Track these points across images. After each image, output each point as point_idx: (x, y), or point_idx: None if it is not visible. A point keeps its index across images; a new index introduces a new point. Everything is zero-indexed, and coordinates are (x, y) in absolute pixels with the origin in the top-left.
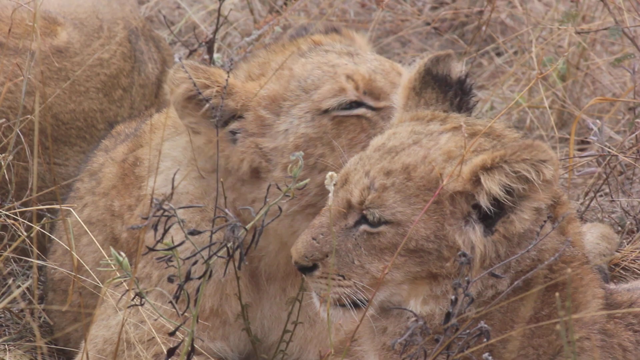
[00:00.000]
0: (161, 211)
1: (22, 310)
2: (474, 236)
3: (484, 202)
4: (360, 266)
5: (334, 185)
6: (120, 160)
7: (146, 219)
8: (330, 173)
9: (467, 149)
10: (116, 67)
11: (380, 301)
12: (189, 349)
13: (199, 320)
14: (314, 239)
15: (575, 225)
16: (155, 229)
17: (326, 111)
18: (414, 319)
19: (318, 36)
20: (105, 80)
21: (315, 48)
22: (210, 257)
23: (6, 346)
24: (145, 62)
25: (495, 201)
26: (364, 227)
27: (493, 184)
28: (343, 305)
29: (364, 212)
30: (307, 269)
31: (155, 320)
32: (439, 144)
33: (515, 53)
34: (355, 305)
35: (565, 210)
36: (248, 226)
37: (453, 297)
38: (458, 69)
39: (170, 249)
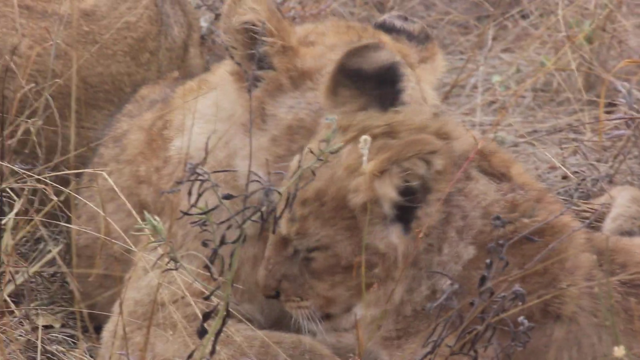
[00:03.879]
0: (195, 175)
1: (53, 275)
2: (394, 237)
3: (386, 207)
4: (310, 288)
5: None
6: (147, 127)
7: (180, 182)
8: (364, 137)
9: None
10: (143, 30)
11: (342, 314)
12: (224, 313)
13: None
14: (268, 270)
15: (517, 167)
16: (189, 194)
17: None
18: (449, 282)
19: (386, 38)
20: (132, 43)
21: None
22: (244, 222)
23: (38, 311)
24: (172, 26)
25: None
26: (301, 254)
27: (387, 189)
28: (314, 322)
29: (294, 242)
30: (274, 297)
31: (191, 284)
32: (341, 160)
33: (541, 15)
34: (328, 317)
35: (501, 157)
36: (281, 189)
37: (488, 261)
38: (380, 58)
39: (205, 213)
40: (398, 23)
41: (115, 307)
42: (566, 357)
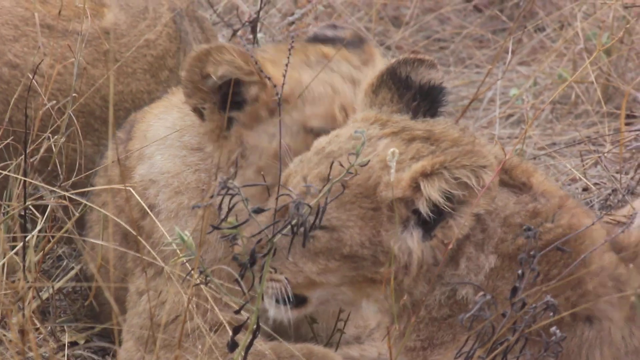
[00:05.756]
0: (225, 190)
1: (75, 292)
2: (411, 242)
3: (423, 208)
4: (293, 264)
5: None
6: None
7: (212, 197)
8: (392, 149)
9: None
10: (162, 48)
11: (321, 301)
12: (254, 327)
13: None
14: (257, 235)
15: (538, 176)
16: (220, 209)
17: (311, 130)
18: (481, 293)
19: (327, 49)
20: (151, 61)
21: (322, 61)
22: (274, 235)
23: (65, 327)
24: (190, 43)
25: (435, 207)
26: (300, 229)
27: (433, 191)
28: (279, 302)
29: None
30: (248, 264)
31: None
32: (377, 150)
33: (560, 28)
34: (299, 302)
35: (522, 168)
36: (312, 203)
37: (520, 271)
38: (430, 76)
39: (235, 227)
40: (329, 33)
41: (124, 334)
42: (597, 355)
